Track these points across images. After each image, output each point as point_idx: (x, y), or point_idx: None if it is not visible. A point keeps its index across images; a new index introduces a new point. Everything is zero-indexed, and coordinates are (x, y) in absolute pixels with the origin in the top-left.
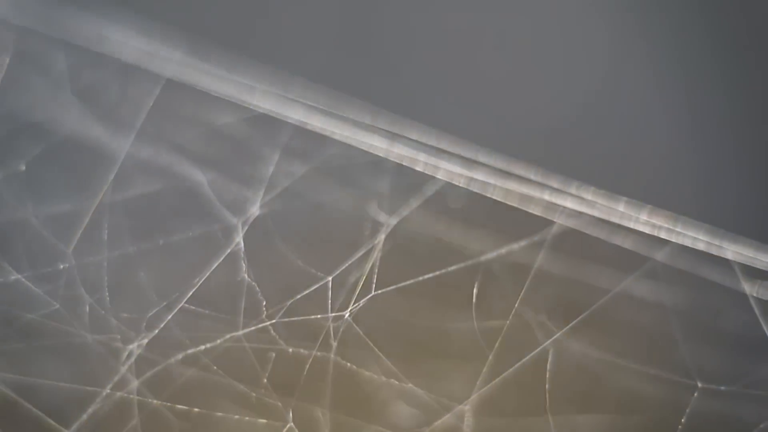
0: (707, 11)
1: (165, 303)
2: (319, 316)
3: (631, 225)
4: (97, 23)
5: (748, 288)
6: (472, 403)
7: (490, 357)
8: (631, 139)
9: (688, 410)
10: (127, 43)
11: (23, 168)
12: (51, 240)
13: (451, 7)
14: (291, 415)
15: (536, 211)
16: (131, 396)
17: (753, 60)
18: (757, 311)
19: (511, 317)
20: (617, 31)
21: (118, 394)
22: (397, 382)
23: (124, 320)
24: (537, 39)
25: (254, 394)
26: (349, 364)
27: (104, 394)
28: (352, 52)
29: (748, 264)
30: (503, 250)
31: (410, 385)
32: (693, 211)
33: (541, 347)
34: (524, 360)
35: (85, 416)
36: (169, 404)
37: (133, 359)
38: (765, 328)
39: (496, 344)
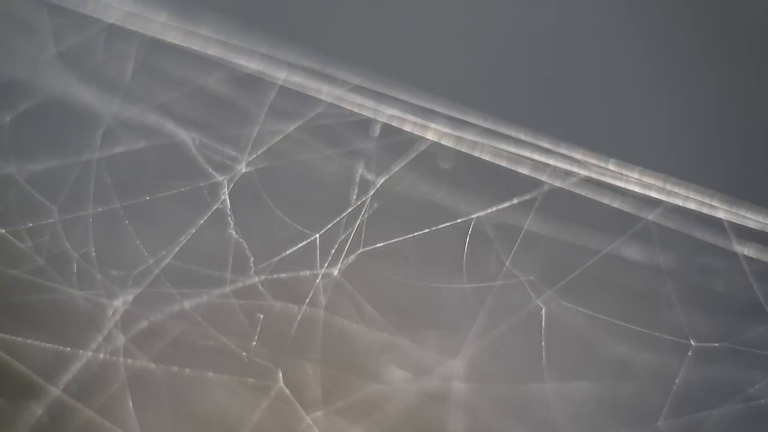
0: None
1: (152, 259)
2: (307, 272)
3: (622, 185)
4: None
5: (740, 248)
6: (463, 357)
7: (480, 314)
8: (622, 99)
9: (682, 369)
10: (111, 3)
11: (7, 120)
12: (36, 195)
13: None
14: (281, 375)
15: (526, 171)
16: (118, 353)
17: (750, 24)
18: (748, 271)
19: (501, 277)
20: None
21: (105, 350)
22: (387, 338)
23: (110, 276)
24: (530, 6)
25: (243, 354)
26: (338, 320)
27: (91, 351)
28: (340, 13)
29: (740, 224)
30: (493, 210)
31: (401, 340)
32: (684, 171)
33: (533, 305)
34: (517, 316)
35: (71, 374)
36: (156, 362)
37: (119, 316)
38: (756, 288)
39: (487, 302)
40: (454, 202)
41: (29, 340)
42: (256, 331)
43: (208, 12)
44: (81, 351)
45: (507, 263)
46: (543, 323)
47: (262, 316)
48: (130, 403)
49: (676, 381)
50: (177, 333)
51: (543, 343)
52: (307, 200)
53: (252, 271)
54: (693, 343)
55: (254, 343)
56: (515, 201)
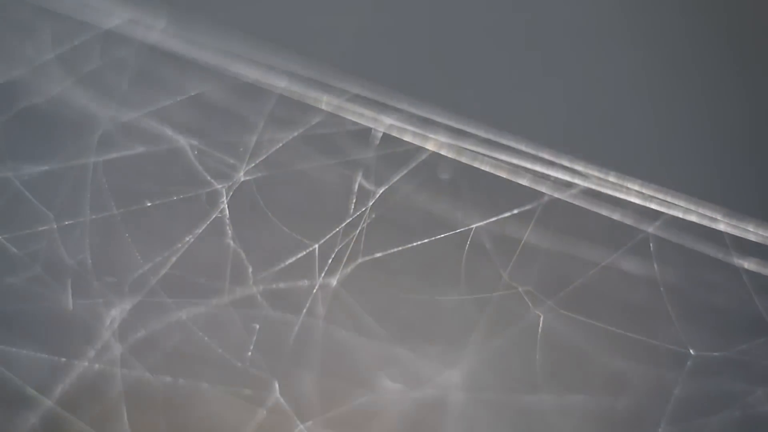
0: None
1: (149, 267)
2: (306, 282)
3: (623, 197)
4: None
5: (740, 262)
6: (461, 367)
7: (479, 325)
8: (623, 111)
9: (681, 378)
10: (111, 10)
11: (2, 120)
12: (33, 200)
13: None
14: (277, 385)
15: (526, 182)
16: (114, 363)
17: (754, 34)
18: (748, 284)
19: (499, 288)
20: (610, 8)
21: (102, 360)
22: (385, 349)
23: (107, 284)
24: (530, 14)
25: (240, 365)
26: (336, 330)
27: (87, 360)
28: (340, 23)
29: (741, 237)
30: (492, 220)
31: (399, 350)
32: (685, 184)
33: (531, 316)
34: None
35: (67, 384)
36: (152, 372)
37: (116, 325)
38: (756, 301)
39: (485, 313)
40: (454, 213)
41: (24, 350)
42: (251, 341)
43: (208, 20)
44: (76, 361)
45: (505, 275)
46: (540, 334)
47: (257, 327)
48: (125, 415)
49: (675, 391)
50: (174, 343)
51: (539, 355)
52: (305, 210)
53: (250, 281)
54: (692, 353)
55: (249, 353)
56: (515, 212)
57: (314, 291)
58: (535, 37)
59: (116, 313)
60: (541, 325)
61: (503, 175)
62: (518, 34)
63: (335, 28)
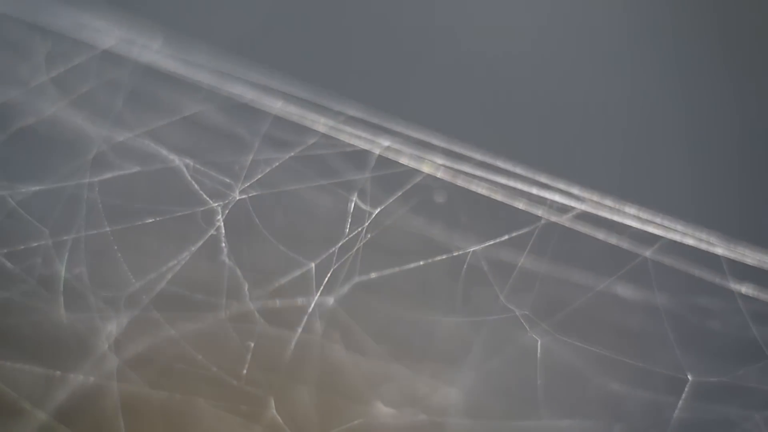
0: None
1: (144, 283)
2: (303, 300)
3: (619, 220)
4: (74, 10)
5: (737, 287)
6: (457, 389)
7: (475, 348)
8: (621, 135)
9: (679, 404)
10: (105, 31)
11: None
12: (27, 217)
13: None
14: (273, 402)
15: (522, 206)
16: (111, 377)
17: (749, 62)
18: (745, 311)
19: (496, 311)
20: (612, 26)
21: (97, 375)
22: (382, 368)
23: (103, 300)
24: (528, 34)
25: (235, 382)
26: (333, 348)
27: (82, 375)
28: (337, 44)
29: (738, 262)
30: (489, 243)
31: (396, 370)
32: (683, 209)
33: (528, 339)
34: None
35: (62, 398)
36: (148, 388)
37: (112, 339)
38: (753, 328)
39: (481, 336)
40: (449, 236)
41: (18, 364)
42: (246, 359)
43: (204, 40)
44: (72, 375)
45: (501, 297)
46: (538, 357)
47: (252, 344)
48: (124, 430)
49: (674, 415)
50: (170, 359)
51: (537, 379)
52: (301, 229)
53: (247, 298)
54: (690, 378)
55: (245, 371)
56: (512, 235)
57: (311, 309)
58: (532, 61)
59: (112, 327)
60: (539, 349)
61: (499, 198)
62: (516, 57)
63: (331, 50)
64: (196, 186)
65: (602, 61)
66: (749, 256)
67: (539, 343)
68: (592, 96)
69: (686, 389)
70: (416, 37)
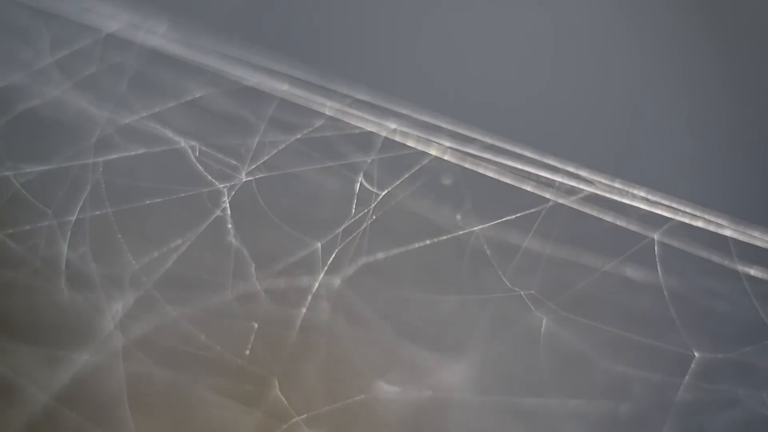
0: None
1: (149, 262)
2: (309, 280)
3: (628, 202)
4: None
5: (745, 269)
6: (462, 368)
7: (480, 326)
8: (629, 119)
9: (686, 379)
10: (111, 15)
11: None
12: (31, 198)
13: None
14: (277, 382)
15: (530, 188)
16: (116, 358)
17: (752, 51)
18: (751, 293)
19: (502, 290)
20: (615, 13)
21: (104, 353)
22: (387, 347)
23: (108, 279)
24: (534, 20)
25: (239, 362)
26: (338, 328)
27: (88, 355)
28: (343, 30)
29: (746, 242)
30: (495, 224)
31: (401, 349)
32: (691, 190)
33: (534, 318)
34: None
35: (67, 379)
36: (153, 368)
37: (118, 319)
38: (760, 310)
39: (487, 314)
40: (456, 217)
41: (22, 345)
42: (250, 340)
43: (209, 24)
44: (77, 355)
45: (505, 278)
46: (542, 337)
47: (256, 325)
48: (128, 410)
49: (679, 393)
50: (174, 339)
51: (542, 358)
52: (307, 210)
53: (253, 278)
54: (696, 354)
55: (247, 352)
56: (518, 215)
57: (315, 289)
58: (541, 44)
59: (118, 307)
60: (543, 328)
61: (507, 180)
62: (524, 41)
63: (337, 32)
64: (200, 168)
65: (611, 42)
66: (759, 239)
67: (544, 321)
68: (599, 79)
69: (692, 366)
70: (423, 20)
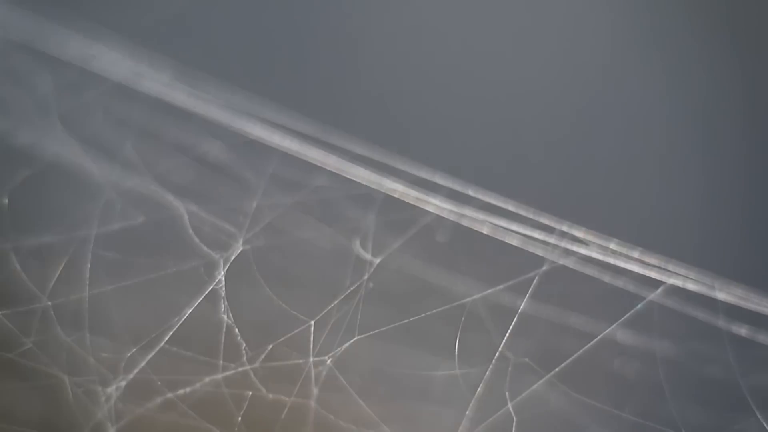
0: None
1: (143, 343)
2: (300, 361)
3: (622, 265)
4: (83, 43)
5: (736, 329)
6: None
7: (472, 402)
8: (623, 180)
9: None
10: (114, 65)
11: (6, 201)
12: (28, 277)
13: (445, 42)
14: None
15: (525, 248)
16: None
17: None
18: (732, 359)
19: (494, 361)
20: (610, 68)
21: None
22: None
23: (102, 361)
24: (532, 77)
25: None
26: (328, 411)
27: None
28: (343, 85)
29: (738, 306)
30: (489, 292)
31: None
32: (685, 254)
33: (526, 392)
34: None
35: None
36: None
37: (112, 402)
38: (742, 385)
39: (479, 390)
40: (451, 282)
41: (15, 427)
42: (242, 407)
43: (211, 77)
44: None
45: (501, 347)
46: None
47: (250, 393)
48: None
49: None
50: (167, 421)
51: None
52: (302, 280)
53: (244, 358)
54: None
55: (239, 418)
56: (510, 283)
57: (308, 369)
58: (535, 102)
59: (112, 390)
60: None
61: (502, 240)
62: (522, 100)
63: (340, 91)
64: (197, 239)
65: (606, 99)
66: (751, 300)
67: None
68: (594, 138)
69: None
70: (423, 80)
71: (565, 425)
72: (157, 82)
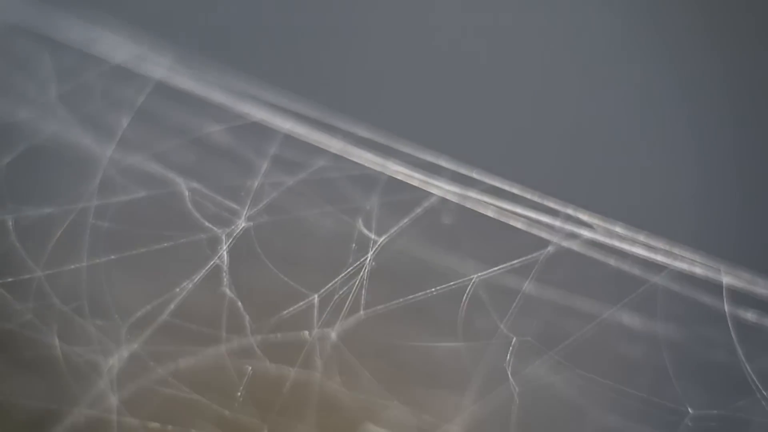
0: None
1: (145, 316)
2: (304, 333)
3: (626, 248)
4: (84, 26)
5: (742, 314)
6: (458, 423)
7: (475, 378)
8: (629, 162)
9: None
10: (115, 47)
11: (4, 163)
12: (26, 247)
13: (449, 24)
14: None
15: (529, 231)
16: (111, 411)
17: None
18: (736, 341)
19: (497, 337)
20: (619, 50)
21: (97, 410)
22: (382, 402)
23: (103, 332)
24: (536, 59)
25: (227, 413)
26: (333, 383)
27: (84, 407)
28: (348, 66)
29: (744, 290)
30: (494, 270)
31: (396, 404)
32: (690, 237)
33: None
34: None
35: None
36: (148, 423)
37: (114, 373)
38: (741, 354)
39: (483, 364)
40: (455, 262)
41: (15, 399)
42: (242, 383)
43: (213, 59)
44: (70, 408)
45: (501, 325)
46: (536, 384)
47: (250, 368)
48: None
49: None
50: (169, 392)
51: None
52: (306, 256)
53: (248, 331)
54: (691, 411)
55: (239, 394)
56: (516, 262)
57: (313, 342)
58: (543, 86)
59: (114, 361)
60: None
61: (507, 222)
62: (527, 82)
63: (344, 73)
64: (198, 215)
65: (613, 85)
66: (759, 284)
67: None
68: (602, 121)
69: (687, 422)
70: (427, 61)
71: (569, 407)
72: (158, 65)
